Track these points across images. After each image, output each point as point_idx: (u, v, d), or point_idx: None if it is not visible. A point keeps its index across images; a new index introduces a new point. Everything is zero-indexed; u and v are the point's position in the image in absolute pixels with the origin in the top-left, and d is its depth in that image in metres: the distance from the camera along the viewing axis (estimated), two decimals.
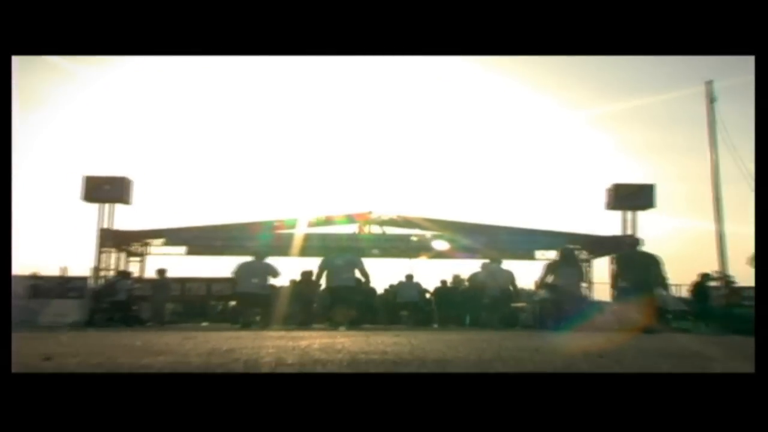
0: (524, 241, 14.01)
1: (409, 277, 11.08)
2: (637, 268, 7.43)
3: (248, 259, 8.24)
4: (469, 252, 12.98)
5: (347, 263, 7.91)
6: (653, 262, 7.27)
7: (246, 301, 8.41)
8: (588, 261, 13.70)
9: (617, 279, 7.77)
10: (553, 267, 8.23)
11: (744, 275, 11.51)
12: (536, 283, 9.72)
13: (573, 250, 10.10)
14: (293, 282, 10.21)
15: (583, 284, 9.53)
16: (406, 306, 11.10)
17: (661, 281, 7.29)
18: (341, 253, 8.28)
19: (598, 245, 13.47)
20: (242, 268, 8.03)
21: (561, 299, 7.80)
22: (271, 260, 8.35)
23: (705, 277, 10.37)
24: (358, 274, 7.74)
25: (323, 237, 13.39)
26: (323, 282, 7.89)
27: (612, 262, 9.74)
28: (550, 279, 8.18)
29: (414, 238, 14.28)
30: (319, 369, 1.39)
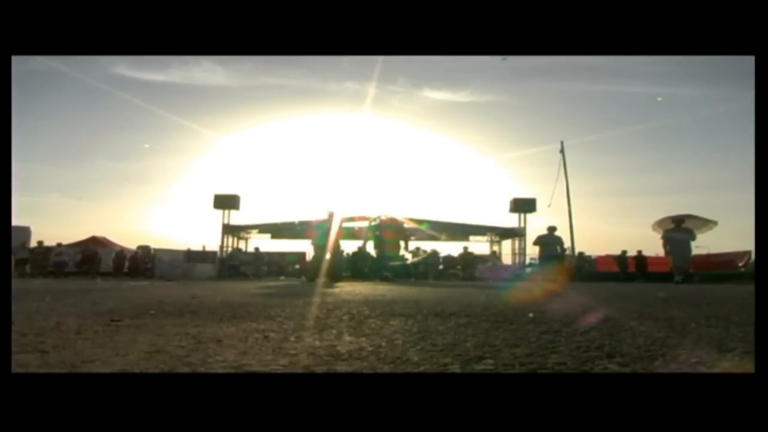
0: (464, 230, 26.87)
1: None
2: (551, 244, 14.16)
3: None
4: (433, 237, 24.88)
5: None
6: (559, 241, 14.31)
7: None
8: (500, 242, 28.07)
9: (540, 251, 14.52)
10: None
11: (585, 248, 23.40)
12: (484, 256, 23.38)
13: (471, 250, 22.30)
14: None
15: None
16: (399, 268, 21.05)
17: (562, 252, 14.99)
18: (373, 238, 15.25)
19: (505, 232, 27.01)
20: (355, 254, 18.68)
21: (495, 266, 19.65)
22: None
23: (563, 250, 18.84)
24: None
25: (351, 228, 22.71)
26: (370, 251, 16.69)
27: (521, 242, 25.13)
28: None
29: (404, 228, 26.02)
30: (345, 305, 2.46)
